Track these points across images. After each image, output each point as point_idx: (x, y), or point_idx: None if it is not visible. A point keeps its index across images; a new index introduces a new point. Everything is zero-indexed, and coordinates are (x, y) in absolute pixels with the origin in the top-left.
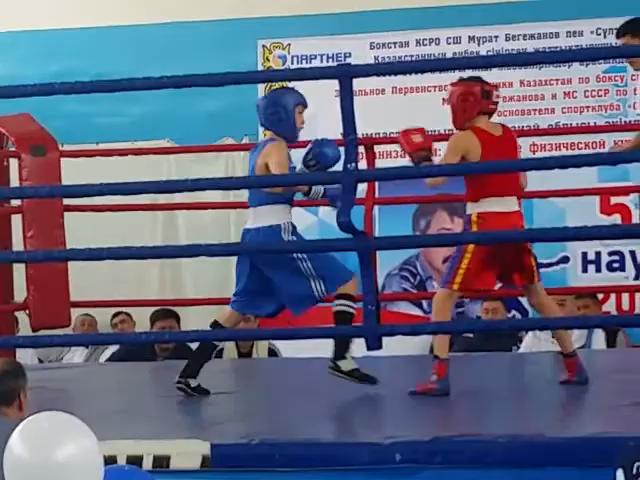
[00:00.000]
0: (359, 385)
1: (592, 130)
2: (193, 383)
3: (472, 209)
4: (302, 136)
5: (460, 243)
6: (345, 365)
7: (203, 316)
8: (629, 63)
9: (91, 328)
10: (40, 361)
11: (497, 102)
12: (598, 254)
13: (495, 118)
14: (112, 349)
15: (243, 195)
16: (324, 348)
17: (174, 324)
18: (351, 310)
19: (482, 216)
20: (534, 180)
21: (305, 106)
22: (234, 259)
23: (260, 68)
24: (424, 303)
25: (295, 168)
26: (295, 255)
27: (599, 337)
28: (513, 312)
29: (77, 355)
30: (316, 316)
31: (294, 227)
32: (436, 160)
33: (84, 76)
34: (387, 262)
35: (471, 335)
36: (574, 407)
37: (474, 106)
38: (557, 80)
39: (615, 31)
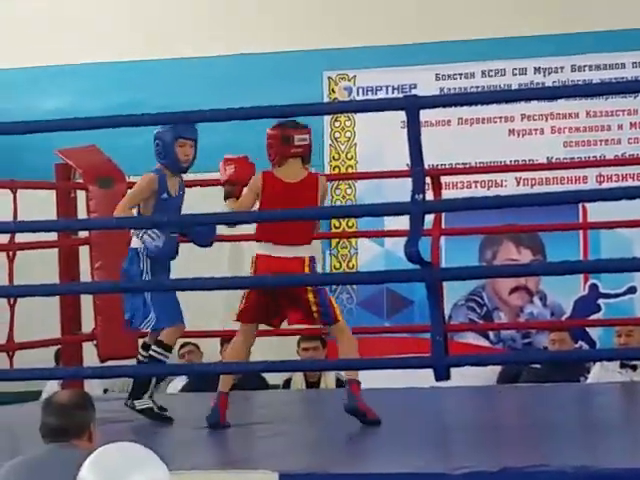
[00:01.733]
0: (426, 416)
1: None
2: None
3: (256, 249)
4: (370, 167)
5: (527, 274)
6: (139, 404)
7: (268, 346)
8: None
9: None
10: (105, 391)
11: (302, 145)
12: None
13: (562, 149)
14: (179, 380)
15: None
16: (395, 379)
17: None
18: (164, 360)
19: (257, 257)
20: (601, 211)
21: (187, 139)
22: None
23: (326, 100)
24: (491, 334)
25: (166, 199)
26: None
27: None
28: (580, 343)
29: None
30: (385, 347)
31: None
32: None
33: (148, 108)
34: (454, 292)
35: (538, 366)
36: None
37: (276, 152)
38: (623, 111)
39: None
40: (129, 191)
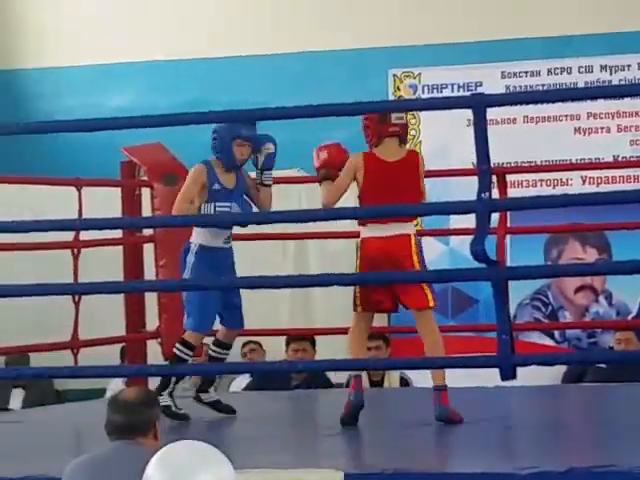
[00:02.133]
0: (492, 415)
1: None
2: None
3: (361, 234)
4: (434, 165)
5: (593, 273)
6: (206, 397)
7: (332, 345)
8: None
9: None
10: None
11: (399, 124)
12: None
13: (628, 147)
14: (243, 378)
15: None
16: (457, 378)
17: (308, 347)
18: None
19: (362, 241)
20: None
21: (246, 139)
22: None
23: (391, 97)
24: (556, 333)
25: (219, 190)
26: None
27: None
28: None
29: None
30: (450, 346)
31: (203, 248)
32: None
33: (212, 106)
34: (518, 292)
35: (604, 365)
36: None
37: (373, 132)
38: None
39: None
40: (182, 188)
